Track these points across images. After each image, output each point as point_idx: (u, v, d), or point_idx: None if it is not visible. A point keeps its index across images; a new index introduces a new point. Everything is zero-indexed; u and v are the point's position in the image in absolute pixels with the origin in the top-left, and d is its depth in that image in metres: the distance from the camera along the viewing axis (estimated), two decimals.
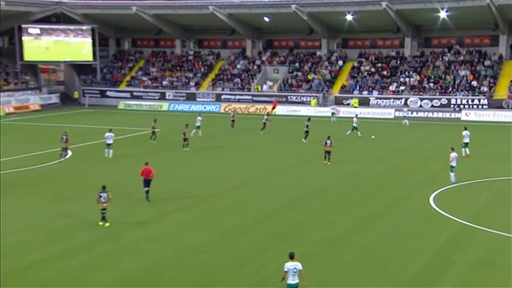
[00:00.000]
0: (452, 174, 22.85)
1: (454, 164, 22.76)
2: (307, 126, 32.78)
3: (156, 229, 17.52)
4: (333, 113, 45.23)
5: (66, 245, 16.08)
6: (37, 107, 53.61)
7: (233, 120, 39.36)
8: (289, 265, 11.52)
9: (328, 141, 27.40)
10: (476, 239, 16.61)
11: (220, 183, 23.44)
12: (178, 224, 18.15)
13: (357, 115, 39.13)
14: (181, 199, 21.00)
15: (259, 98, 53.43)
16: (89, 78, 60.96)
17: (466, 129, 29.70)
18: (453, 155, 22.79)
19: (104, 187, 18.19)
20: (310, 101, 51.35)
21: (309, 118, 32.34)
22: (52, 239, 16.59)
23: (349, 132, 36.23)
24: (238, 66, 58.35)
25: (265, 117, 39.06)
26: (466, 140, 29.15)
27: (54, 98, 57.20)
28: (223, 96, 54.50)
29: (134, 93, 57.51)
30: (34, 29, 55.71)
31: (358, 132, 35.71)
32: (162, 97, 56.44)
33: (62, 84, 64.86)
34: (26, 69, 58.16)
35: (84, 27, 58.00)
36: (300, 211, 19.55)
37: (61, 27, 57.31)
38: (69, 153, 29.56)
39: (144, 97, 57.05)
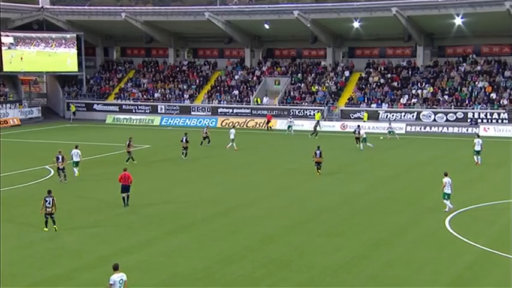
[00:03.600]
0: (447, 202, 21.96)
1: (447, 190, 21.86)
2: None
3: (145, 255, 17.47)
4: (289, 126, 46.26)
5: (47, 273, 16.01)
6: (17, 122, 53.75)
7: (205, 137, 39.70)
8: (116, 277, 12.42)
9: (318, 152, 29.11)
10: (496, 266, 16.53)
11: (214, 204, 23.55)
12: (168, 249, 18.08)
13: (358, 126, 40.74)
14: (171, 222, 21.01)
15: (259, 112, 53.57)
16: (73, 91, 61.25)
17: (478, 136, 32.59)
18: (446, 180, 21.91)
19: (49, 191, 19.75)
20: (314, 115, 51.47)
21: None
22: (30, 268, 16.52)
23: (362, 146, 37.98)
24: (236, 77, 58.67)
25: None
26: (477, 148, 31.39)
27: (36, 112, 57.47)
28: (220, 110, 54.70)
29: (123, 107, 57.79)
30: (10, 38, 55.89)
31: (368, 144, 38.31)
32: (154, 111, 56.68)
33: (45, 97, 65.12)
34: (5, 81, 58.33)
35: (68, 35, 58.47)
36: (301, 235, 19.51)
37: (43, 35, 57.74)
38: (52, 172, 29.89)
39: (134, 111, 57.29)
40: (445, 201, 22.13)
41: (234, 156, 35.98)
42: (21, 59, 56.59)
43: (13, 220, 21.35)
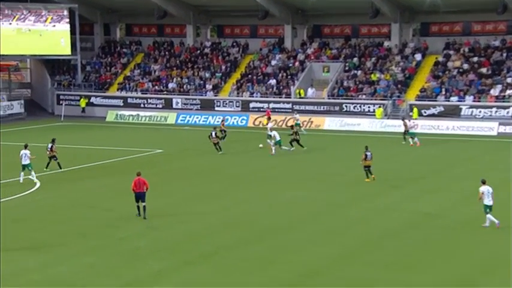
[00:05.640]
0: (488, 215, 22.64)
1: (487, 202, 22.55)
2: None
3: None
4: (297, 124, 46.79)
5: None
6: None
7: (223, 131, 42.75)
8: None
9: (368, 153, 30.36)
10: None
11: (243, 227, 23.71)
12: (184, 285, 18.14)
13: (404, 118, 44.29)
14: (188, 250, 21.15)
15: (302, 107, 53.51)
16: (65, 80, 62.28)
17: None
18: (484, 189, 22.64)
19: None
20: (374, 111, 51.12)
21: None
22: None
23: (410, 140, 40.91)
24: (274, 62, 58.67)
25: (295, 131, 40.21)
26: None
27: (17, 107, 58.57)
28: (251, 105, 54.90)
29: (129, 100, 58.48)
30: None
31: (413, 139, 41.03)
32: (168, 105, 57.20)
33: (28, 88, 66.42)
34: None
35: (59, 8, 59.34)
36: (357, 268, 19.33)
37: (27, 6, 58.48)
38: (38, 183, 30.46)
39: (142, 105, 57.93)
40: (487, 215, 22.72)
41: (266, 165, 36.16)
42: (6, 36, 57.37)
43: None
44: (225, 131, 43.34)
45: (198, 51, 62.10)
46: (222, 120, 45.87)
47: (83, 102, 58.61)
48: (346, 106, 52.24)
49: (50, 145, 33.74)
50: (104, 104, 58.81)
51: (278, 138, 38.49)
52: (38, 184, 30.54)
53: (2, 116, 55.82)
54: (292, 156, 38.55)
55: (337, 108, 52.50)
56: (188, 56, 61.89)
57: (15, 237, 22.33)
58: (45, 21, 59.28)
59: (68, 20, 59.38)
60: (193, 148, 39.55)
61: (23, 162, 30.67)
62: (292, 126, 41.26)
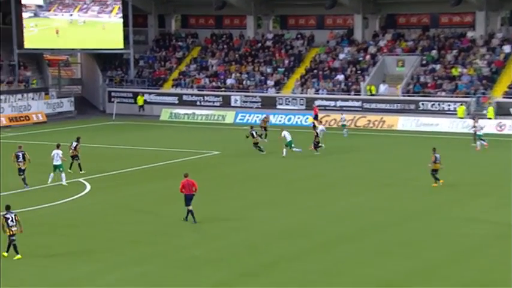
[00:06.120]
0: None
1: None
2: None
3: None
4: (343, 125, 47.38)
5: None
6: (42, 118, 56.30)
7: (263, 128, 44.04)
8: None
9: (437, 155, 30.73)
10: None
11: (305, 236, 23.71)
12: None
13: (474, 117, 43.85)
14: (247, 260, 21.27)
15: (373, 105, 53.29)
16: (118, 75, 63.45)
17: None
18: None
19: (8, 207, 21.27)
20: (455, 110, 50.35)
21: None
22: None
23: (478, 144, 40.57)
24: (342, 56, 58.49)
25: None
26: None
27: (67, 105, 59.93)
28: (317, 102, 54.73)
29: (184, 98, 59.13)
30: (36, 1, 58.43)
31: (481, 142, 40.80)
32: (226, 103, 57.66)
33: (79, 84, 68.00)
34: (27, 62, 61.29)
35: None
36: (435, 283, 19.02)
37: None
38: (88, 186, 31.34)
39: (198, 103, 58.53)
40: None
41: (330, 168, 36.19)
42: (57, 32, 59.05)
43: (35, 253, 22.04)
44: (265, 129, 43.89)
45: (259, 44, 62.30)
46: (265, 118, 46.33)
47: (140, 100, 59.31)
48: (422, 104, 51.64)
49: (74, 144, 34.38)
50: (158, 102, 59.58)
51: (289, 139, 38.58)
52: (88, 188, 31.26)
53: (51, 114, 57.31)
54: (360, 159, 38.46)
55: (412, 106, 51.99)
56: (248, 49, 62.15)
57: (64, 243, 22.94)
58: (99, 13, 60.48)
59: (121, 11, 60.41)
60: (252, 150, 39.59)
61: (55, 163, 31.33)
62: (314, 126, 41.43)
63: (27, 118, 55.28)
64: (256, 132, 39.91)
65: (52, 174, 31.55)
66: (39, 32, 59.40)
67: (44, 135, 46.34)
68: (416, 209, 27.35)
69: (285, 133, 38.90)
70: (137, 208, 27.92)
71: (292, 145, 38.70)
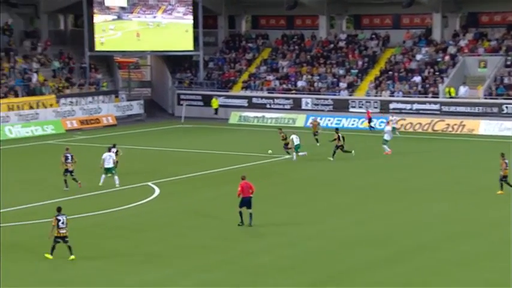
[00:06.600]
0: None
1: None
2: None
3: None
4: (393, 128, 46.16)
5: None
6: (112, 121, 56.73)
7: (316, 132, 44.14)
8: None
9: (507, 161, 30.04)
10: None
11: (379, 245, 23.54)
12: None
13: None
14: (318, 268, 21.10)
15: (453, 109, 52.27)
16: (187, 78, 63.64)
17: None
18: None
19: (59, 209, 21.77)
20: None
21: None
22: None
23: None
24: (419, 56, 57.48)
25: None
26: None
27: (137, 108, 60.31)
28: (392, 105, 53.98)
29: (253, 100, 58.90)
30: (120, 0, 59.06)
31: None
32: (297, 106, 57.19)
33: (148, 86, 68.50)
34: (97, 64, 62.23)
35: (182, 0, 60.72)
36: None
37: None
38: (157, 190, 31.60)
39: (268, 106, 58.20)
40: None
41: (408, 174, 35.79)
42: (138, 35, 59.91)
43: (104, 255, 22.41)
44: (315, 134, 43.70)
45: (332, 45, 61.69)
46: (314, 121, 46.07)
47: (215, 103, 59.30)
48: (506, 107, 50.42)
49: (114, 150, 34.29)
50: (227, 104, 59.48)
51: (297, 142, 38.54)
52: (157, 192, 31.58)
53: (121, 117, 57.80)
54: (438, 165, 38.01)
55: (495, 109, 50.82)
56: (320, 50, 61.53)
57: (133, 247, 23.30)
58: (168, 13, 60.75)
59: (191, 12, 60.51)
60: (323, 154, 39.37)
61: (106, 166, 31.78)
62: (337, 129, 40.51)
63: (97, 121, 55.74)
64: (341, 137, 39.06)
65: (104, 175, 32.11)
66: (112, 34, 59.93)
67: (114, 139, 46.66)
68: (500, 218, 26.65)
69: (294, 137, 38.85)
70: (205, 213, 28.12)
71: (298, 150, 38.76)
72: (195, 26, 60.74)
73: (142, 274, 20.41)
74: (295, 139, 38.72)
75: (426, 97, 53.77)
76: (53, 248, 21.45)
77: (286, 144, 39.38)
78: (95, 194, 31.15)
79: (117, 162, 32.59)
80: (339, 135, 38.83)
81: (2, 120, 49.88)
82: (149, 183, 33.06)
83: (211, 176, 35.53)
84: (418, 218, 27.06)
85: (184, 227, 25.96)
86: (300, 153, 38.85)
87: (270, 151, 40.56)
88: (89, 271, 20.73)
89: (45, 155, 42.64)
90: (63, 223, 21.40)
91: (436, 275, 20.33)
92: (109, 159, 31.81)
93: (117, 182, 31.91)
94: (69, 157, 31.37)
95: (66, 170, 31.34)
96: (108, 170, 31.90)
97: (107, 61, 63.23)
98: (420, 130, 50.92)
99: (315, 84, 58.51)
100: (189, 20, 60.82)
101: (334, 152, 38.72)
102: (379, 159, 39.70)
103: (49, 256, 21.44)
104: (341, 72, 58.77)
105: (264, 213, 26.06)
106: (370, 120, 51.23)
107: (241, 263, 21.53)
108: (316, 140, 43.92)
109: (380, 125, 49.79)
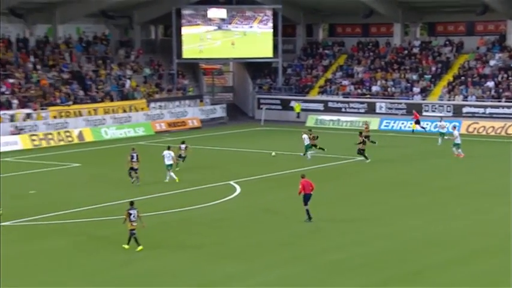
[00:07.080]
0: None
1: None
2: None
3: None
4: (441, 133, 45.25)
5: None
6: (197, 123, 59.28)
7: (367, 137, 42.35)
8: None
9: None
10: None
11: (451, 246, 23.56)
12: None
13: None
14: (393, 267, 21.36)
15: None
16: (266, 83, 65.48)
17: None
18: None
19: (132, 203, 23.08)
20: None
21: None
22: None
23: None
24: (493, 62, 57.40)
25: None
26: None
27: (220, 111, 62.70)
28: (465, 109, 54.20)
29: (329, 104, 60.11)
30: (220, 11, 61.24)
31: None
32: (371, 110, 58.14)
33: (231, 91, 70.79)
34: (184, 70, 64.83)
35: (264, 9, 62.36)
36: None
37: (231, 8, 62.08)
38: (238, 189, 32.93)
39: (343, 110, 59.37)
40: None
41: (480, 177, 35.69)
42: (233, 44, 62.14)
43: (186, 250, 23.46)
44: (367, 137, 42.61)
45: (406, 52, 62.25)
46: (365, 124, 46.49)
47: (297, 107, 60.90)
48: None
49: (183, 146, 37.52)
50: (304, 108, 60.78)
51: (307, 142, 39.17)
52: (238, 190, 32.69)
53: (205, 120, 60.28)
54: (507, 169, 37.28)
55: None
56: (394, 56, 62.29)
57: (213, 243, 24.11)
58: (250, 23, 62.46)
59: (271, 21, 62.19)
60: (395, 156, 39.94)
61: (166, 162, 34.24)
62: (360, 133, 40.68)
63: (183, 123, 58.48)
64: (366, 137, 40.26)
65: (168, 172, 34.48)
66: (197, 42, 61.89)
67: (198, 140, 48.57)
68: None
69: (305, 136, 39.76)
70: (282, 211, 28.65)
71: (308, 150, 39.51)
72: (275, 34, 62.34)
73: (224, 267, 21.15)
74: (306, 139, 39.68)
75: (499, 101, 53.63)
76: (129, 239, 22.87)
77: (362, 148, 39.23)
78: (182, 192, 32.46)
79: (185, 157, 35.78)
80: (363, 139, 39.42)
81: (99, 123, 53.53)
82: (231, 182, 34.21)
83: (288, 177, 35.48)
84: (489, 220, 26.83)
85: (262, 224, 26.72)
86: (309, 152, 39.87)
87: (273, 153, 41.57)
88: (175, 263, 21.60)
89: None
90: (134, 217, 22.65)
91: (508, 276, 19.97)
92: (168, 156, 34.14)
93: (167, 178, 34.36)
94: (135, 156, 33.79)
95: (131, 168, 33.79)
96: (168, 166, 34.22)
97: (192, 68, 65.69)
98: (493, 133, 50.77)
99: (389, 89, 59.13)
100: (270, 29, 62.51)
101: (362, 154, 39.06)
102: (449, 160, 39.43)
103: (126, 246, 22.90)
104: (414, 77, 59.20)
105: (337, 213, 26.43)
106: (417, 122, 50.85)
107: (315, 260, 21.78)
108: (372, 142, 43.80)
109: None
